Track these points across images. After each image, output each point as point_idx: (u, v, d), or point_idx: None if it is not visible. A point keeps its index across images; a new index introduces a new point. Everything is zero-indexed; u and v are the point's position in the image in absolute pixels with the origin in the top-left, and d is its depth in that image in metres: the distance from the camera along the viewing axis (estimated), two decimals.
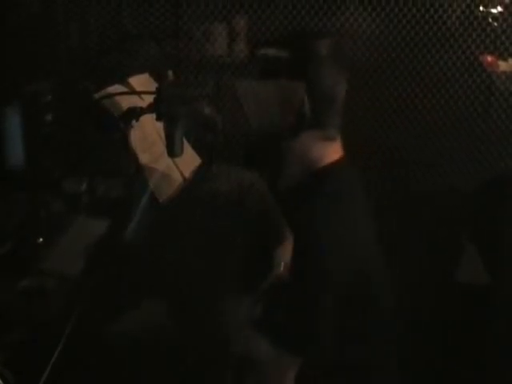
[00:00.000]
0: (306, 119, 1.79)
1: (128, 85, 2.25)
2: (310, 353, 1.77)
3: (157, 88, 1.89)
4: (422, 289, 3.15)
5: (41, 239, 2.35)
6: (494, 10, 3.32)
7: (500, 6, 3.30)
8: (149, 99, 1.94)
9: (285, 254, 2.34)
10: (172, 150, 1.92)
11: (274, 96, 1.84)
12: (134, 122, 1.99)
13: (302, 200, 1.81)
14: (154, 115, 1.91)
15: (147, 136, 2.22)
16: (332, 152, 1.89)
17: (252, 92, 1.91)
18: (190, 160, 2.40)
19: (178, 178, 2.33)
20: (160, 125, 1.95)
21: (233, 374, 2.04)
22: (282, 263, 2.30)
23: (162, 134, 1.97)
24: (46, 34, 3.32)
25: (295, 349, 1.75)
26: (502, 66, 3.35)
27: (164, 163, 2.26)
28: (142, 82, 2.31)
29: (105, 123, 2.12)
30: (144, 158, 2.19)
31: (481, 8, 3.30)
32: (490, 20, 3.30)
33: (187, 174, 2.36)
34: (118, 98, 2.08)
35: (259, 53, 1.91)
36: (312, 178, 1.86)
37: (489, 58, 3.32)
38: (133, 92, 2.19)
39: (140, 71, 2.40)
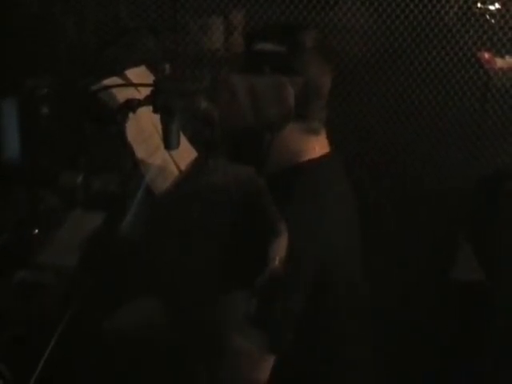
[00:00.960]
0: (290, 113, 1.78)
1: (125, 77, 2.25)
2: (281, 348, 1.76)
3: (154, 80, 1.89)
4: (418, 286, 3.15)
5: (36, 231, 2.34)
6: (491, 7, 3.32)
7: (497, 2, 3.30)
8: (145, 92, 1.93)
9: (280, 249, 2.34)
10: (168, 143, 1.92)
11: (264, 89, 1.84)
12: (130, 114, 1.99)
13: (279, 193, 1.81)
14: (150, 108, 1.91)
15: (144, 129, 2.22)
16: (316, 146, 1.88)
17: (245, 86, 1.90)
18: (186, 153, 2.39)
19: (173, 171, 2.33)
20: (157, 117, 1.94)
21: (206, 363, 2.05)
22: (277, 258, 2.30)
23: (159, 127, 1.96)
24: (43, 29, 3.31)
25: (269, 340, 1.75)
26: (499, 62, 3.35)
27: (160, 156, 2.26)
28: (138, 74, 2.31)
29: (101, 116, 2.11)
30: (140, 151, 2.19)
31: (478, 5, 3.31)
32: (488, 17, 3.31)
33: (183, 167, 2.36)
34: (114, 90, 2.08)
35: (252, 46, 1.89)
36: (292, 171, 1.86)
37: (486, 55, 3.32)
38: (130, 84, 2.19)
39: (137, 65, 2.40)
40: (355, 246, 1.97)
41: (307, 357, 1.84)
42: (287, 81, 1.77)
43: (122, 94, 2.05)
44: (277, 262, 2.28)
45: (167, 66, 1.90)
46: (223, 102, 1.99)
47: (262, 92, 1.83)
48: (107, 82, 2.12)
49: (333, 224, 1.83)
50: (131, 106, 1.92)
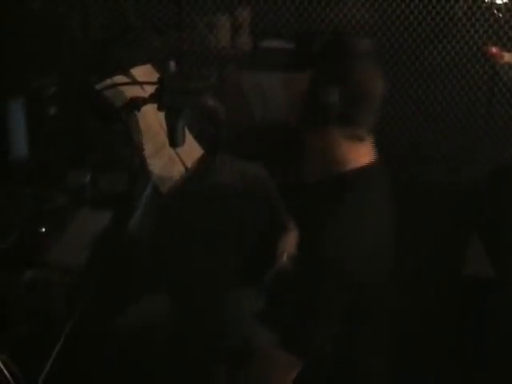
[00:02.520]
0: (333, 114, 1.73)
1: (130, 75, 2.25)
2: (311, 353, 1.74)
3: (159, 78, 1.89)
4: (429, 283, 3.15)
5: (44, 230, 2.35)
6: (498, 1, 3.31)
7: None
8: (151, 90, 1.94)
9: (288, 245, 2.34)
10: (174, 141, 1.92)
11: (295, 89, 1.82)
12: (136, 112, 1.99)
13: (323, 201, 1.77)
14: (155, 106, 1.91)
15: (149, 127, 2.22)
16: (361, 154, 1.82)
17: (265, 85, 1.89)
18: (191, 151, 2.40)
19: (180, 169, 2.33)
20: (162, 115, 1.95)
21: (229, 367, 2.05)
22: (285, 254, 2.30)
23: (164, 125, 1.97)
24: (48, 28, 3.32)
25: (299, 349, 1.72)
26: (506, 56, 3.34)
27: (166, 154, 2.26)
28: (144, 72, 2.31)
29: (107, 115, 2.12)
30: (146, 149, 2.19)
31: None
32: (495, 11, 3.30)
33: (189, 165, 2.36)
34: (120, 88, 2.08)
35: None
36: (336, 180, 1.80)
37: (493, 49, 3.32)
38: (135, 82, 2.19)
39: (143, 63, 2.40)
40: (392, 251, 1.93)
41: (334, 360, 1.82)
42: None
43: (128, 93, 2.05)
44: (285, 258, 2.29)
45: (172, 64, 1.89)
46: (237, 101, 1.98)
47: (293, 92, 1.82)
48: (113, 80, 2.12)
49: (374, 233, 1.80)
50: (136, 104, 1.92)
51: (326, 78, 1.72)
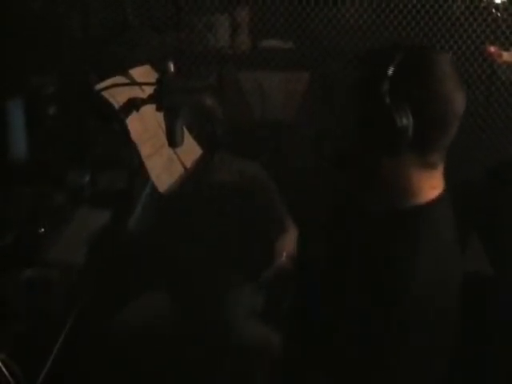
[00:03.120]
0: (406, 141, 1.53)
1: (129, 76, 2.26)
2: None
3: (157, 79, 1.90)
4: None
5: (42, 229, 2.36)
6: (496, 0, 3.32)
7: None
8: (149, 90, 1.94)
9: (286, 244, 2.35)
10: (172, 140, 1.92)
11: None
12: (134, 112, 2.00)
13: (393, 233, 1.62)
14: (154, 106, 1.92)
15: (148, 127, 2.23)
16: (434, 184, 1.65)
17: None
18: (191, 150, 2.40)
19: (179, 169, 2.34)
20: (161, 115, 1.95)
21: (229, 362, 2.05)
22: (284, 253, 2.31)
23: (163, 125, 1.97)
24: (47, 27, 3.32)
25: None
26: (505, 56, 3.35)
27: (165, 154, 2.27)
28: (142, 73, 2.32)
29: (106, 115, 2.12)
30: (145, 149, 2.20)
31: None
32: (493, 10, 3.30)
33: (188, 165, 2.37)
34: (118, 89, 2.09)
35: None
36: (411, 211, 1.64)
37: (491, 49, 3.32)
38: (134, 83, 2.20)
39: (141, 62, 2.41)
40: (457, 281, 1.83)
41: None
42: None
43: (126, 93, 2.06)
44: (283, 257, 2.30)
45: (171, 64, 1.89)
46: (236, 101, 1.93)
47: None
48: (111, 80, 2.13)
49: (448, 265, 1.68)
50: (135, 104, 1.92)
51: (399, 98, 1.53)
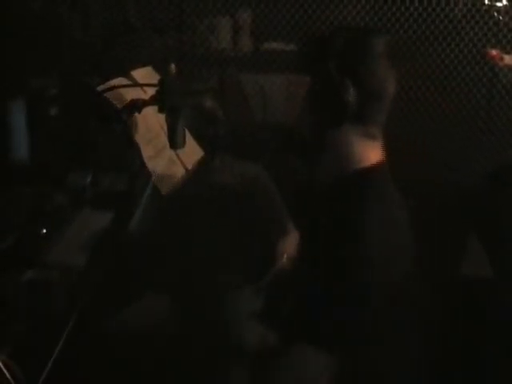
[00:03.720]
0: (349, 112, 1.73)
1: (131, 77, 2.26)
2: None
3: (159, 80, 1.90)
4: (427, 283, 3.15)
5: (44, 230, 2.36)
6: (498, 4, 3.32)
7: None
8: (151, 92, 1.95)
9: (287, 246, 2.36)
10: (174, 142, 1.93)
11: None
12: (136, 114, 2.00)
13: (344, 198, 1.76)
14: (156, 107, 1.92)
15: (150, 128, 2.23)
16: (373, 153, 1.82)
17: (267, 86, 1.88)
18: (192, 152, 2.40)
19: (180, 171, 2.33)
20: (163, 117, 1.96)
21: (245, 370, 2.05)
22: (285, 255, 2.32)
23: (165, 127, 1.98)
24: (49, 28, 3.33)
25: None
26: (506, 59, 3.35)
27: (166, 156, 2.27)
28: (144, 74, 2.32)
29: (108, 116, 2.12)
30: (147, 151, 2.20)
31: (485, 1, 3.31)
32: (495, 14, 3.31)
33: (189, 167, 2.37)
34: (121, 90, 2.09)
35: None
36: (355, 177, 1.80)
37: (493, 52, 3.33)
38: (135, 84, 2.20)
39: (143, 64, 2.41)
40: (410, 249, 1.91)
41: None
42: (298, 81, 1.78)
43: (128, 95, 2.06)
44: (284, 259, 2.30)
45: (173, 66, 1.90)
46: (237, 103, 1.97)
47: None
48: (114, 82, 2.13)
49: (396, 230, 1.79)
50: (137, 105, 1.93)
51: (343, 75, 1.72)
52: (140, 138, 2.19)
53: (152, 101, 1.92)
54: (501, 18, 3.30)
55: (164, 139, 2.15)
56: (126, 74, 2.24)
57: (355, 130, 1.78)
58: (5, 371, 1.62)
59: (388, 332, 1.79)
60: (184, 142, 1.96)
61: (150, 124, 2.24)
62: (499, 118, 3.33)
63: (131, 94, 2.07)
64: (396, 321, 1.81)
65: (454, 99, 3.34)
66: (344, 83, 1.70)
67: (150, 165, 2.20)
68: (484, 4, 3.30)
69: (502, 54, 3.35)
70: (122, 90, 2.09)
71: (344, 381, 1.74)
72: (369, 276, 1.66)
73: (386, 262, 1.69)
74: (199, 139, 2.41)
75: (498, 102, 3.32)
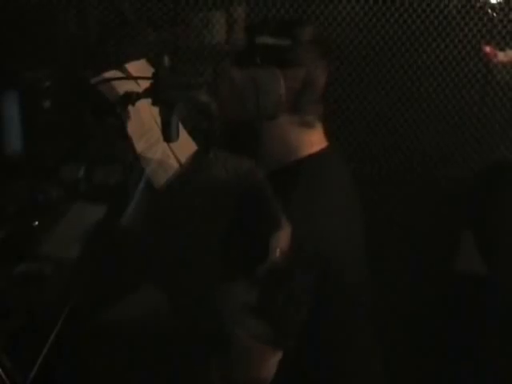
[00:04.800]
0: (282, 103, 1.78)
1: (125, 70, 2.25)
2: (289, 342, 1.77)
3: (153, 73, 1.90)
4: (420, 278, 3.16)
5: (37, 223, 2.36)
6: (492, 0, 3.32)
7: None
8: (145, 85, 1.95)
9: (281, 241, 2.36)
10: (168, 135, 1.93)
11: (258, 80, 1.85)
12: (130, 107, 2.00)
13: (280, 187, 1.81)
14: (150, 100, 1.92)
15: (143, 122, 2.22)
16: (313, 141, 1.89)
17: (242, 77, 1.90)
18: (185, 146, 2.40)
19: (174, 165, 2.33)
20: (156, 110, 1.96)
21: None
22: (278, 249, 2.31)
23: (158, 120, 1.98)
24: (44, 21, 3.32)
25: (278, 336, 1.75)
26: (500, 55, 3.35)
27: (160, 149, 2.27)
28: (138, 67, 2.31)
29: (101, 109, 2.12)
30: (140, 144, 2.20)
31: None
32: (489, 10, 3.31)
33: (183, 160, 2.36)
34: (114, 83, 2.08)
35: (252, 40, 1.89)
36: (291, 166, 1.87)
37: (487, 48, 3.33)
38: (129, 77, 2.19)
39: (137, 57, 2.41)
40: (357, 236, 1.98)
41: (313, 350, 1.84)
42: (279, 73, 1.79)
43: (122, 87, 2.06)
44: (277, 254, 2.30)
45: (167, 59, 1.90)
46: (223, 93, 2.00)
47: (256, 83, 1.84)
48: (107, 74, 2.13)
49: (334, 216, 1.84)
50: (130, 98, 1.93)
51: (270, 68, 1.78)
52: (133, 131, 2.19)
53: (146, 94, 1.92)
54: (495, 14, 3.30)
55: (157, 132, 2.15)
56: (120, 67, 2.23)
57: (290, 120, 1.84)
58: None
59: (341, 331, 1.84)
60: (178, 135, 1.96)
61: (143, 117, 2.23)
62: (493, 114, 3.33)
63: (125, 86, 2.07)
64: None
65: (448, 95, 3.34)
66: (274, 75, 1.76)
67: (143, 158, 2.20)
68: (478, 1, 3.30)
69: (496, 51, 3.35)
70: (116, 83, 2.09)
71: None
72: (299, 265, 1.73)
73: (318, 251, 1.74)
74: (193, 133, 2.41)
75: (491, 98, 3.33)
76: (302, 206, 1.77)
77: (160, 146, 2.25)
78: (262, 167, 1.95)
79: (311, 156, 1.87)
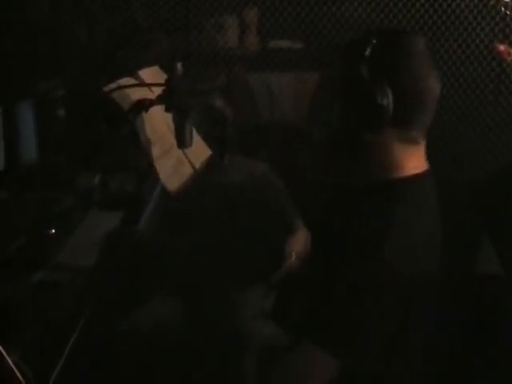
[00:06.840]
0: (388, 115, 1.64)
1: (138, 77, 2.26)
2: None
3: (166, 80, 1.90)
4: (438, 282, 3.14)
5: (53, 231, 2.36)
6: None
7: None
8: (158, 91, 1.95)
9: (296, 245, 2.35)
10: (182, 142, 1.93)
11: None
12: (143, 114, 2.00)
13: (377, 205, 1.72)
14: (163, 107, 1.92)
15: (157, 128, 2.23)
16: (415, 160, 1.76)
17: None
18: (200, 151, 2.41)
19: (188, 170, 2.34)
20: (170, 116, 1.96)
21: (254, 367, 2.04)
22: (293, 254, 2.31)
23: (172, 126, 1.98)
24: (56, 30, 3.34)
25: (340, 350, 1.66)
26: None
27: (174, 155, 2.27)
28: (151, 74, 2.32)
29: (115, 116, 2.12)
30: (154, 151, 2.20)
31: None
32: (502, 8, 3.30)
33: (197, 166, 2.37)
34: (127, 90, 2.09)
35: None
36: (392, 185, 1.74)
37: (501, 47, 3.31)
38: (142, 84, 2.20)
39: (150, 64, 2.41)
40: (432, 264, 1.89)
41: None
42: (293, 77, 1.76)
43: (135, 94, 2.06)
44: (293, 258, 2.29)
45: (179, 65, 1.90)
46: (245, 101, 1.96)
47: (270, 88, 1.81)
48: (120, 82, 2.14)
49: (423, 241, 1.76)
50: (144, 105, 1.93)
51: (379, 78, 1.65)
52: (147, 137, 2.19)
53: (159, 100, 1.92)
54: (508, 12, 3.29)
55: (171, 139, 2.15)
56: (133, 74, 2.24)
57: (394, 135, 1.70)
58: (16, 372, 1.62)
59: (404, 335, 1.77)
60: (191, 142, 1.96)
61: (157, 124, 2.24)
62: (507, 114, 3.32)
63: (138, 93, 2.08)
64: (413, 324, 1.79)
65: (462, 95, 3.33)
66: (380, 88, 1.64)
67: (157, 165, 2.21)
68: None
69: (510, 50, 3.33)
70: (129, 90, 2.10)
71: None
72: (383, 279, 1.62)
73: (405, 267, 1.65)
74: (207, 138, 2.41)
75: (505, 97, 3.31)
76: (404, 223, 1.68)
77: (174, 152, 2.25)
78: (358, 179, 1.83)
79: (413, 177, 1.74)
